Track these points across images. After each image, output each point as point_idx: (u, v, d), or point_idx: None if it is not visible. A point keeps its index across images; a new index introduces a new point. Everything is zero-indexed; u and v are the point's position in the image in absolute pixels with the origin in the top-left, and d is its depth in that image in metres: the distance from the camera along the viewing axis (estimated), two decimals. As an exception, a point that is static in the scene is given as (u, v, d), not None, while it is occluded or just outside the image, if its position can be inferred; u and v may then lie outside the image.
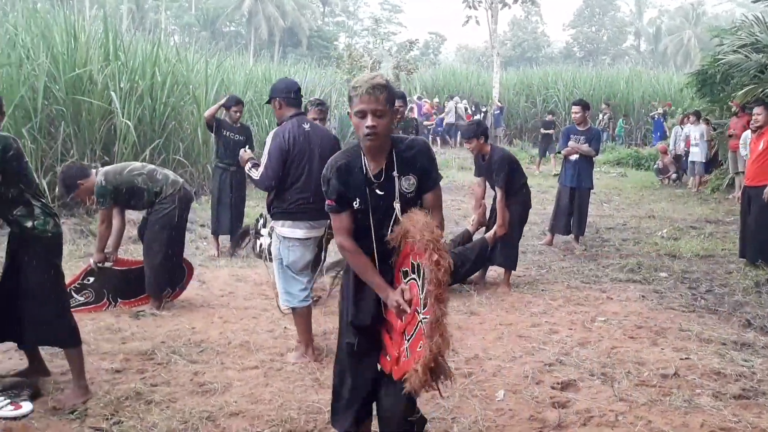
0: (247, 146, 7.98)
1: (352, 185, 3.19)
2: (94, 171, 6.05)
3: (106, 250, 6.08)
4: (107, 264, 6.13)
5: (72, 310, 4.68)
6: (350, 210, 3.21)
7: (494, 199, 7.22)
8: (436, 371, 2.79)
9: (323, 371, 4.78)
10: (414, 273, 3.00)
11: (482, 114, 27.23)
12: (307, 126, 5.14)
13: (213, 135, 8.88)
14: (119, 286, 6.26)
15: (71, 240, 8.73)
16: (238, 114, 8.71)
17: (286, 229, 5.04)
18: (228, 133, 8.65)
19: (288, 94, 5.23)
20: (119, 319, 5.94)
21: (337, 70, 24.56)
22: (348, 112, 3.17)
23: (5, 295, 4.25)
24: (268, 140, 5.11)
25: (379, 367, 3.24)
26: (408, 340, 2.99)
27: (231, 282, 7.40)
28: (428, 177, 3.19)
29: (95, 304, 6.17)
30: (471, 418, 4.12)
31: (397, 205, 3.13)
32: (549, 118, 22.08)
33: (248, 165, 5.28)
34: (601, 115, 25.47)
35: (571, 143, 9.34)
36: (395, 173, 3.14)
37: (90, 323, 5.75)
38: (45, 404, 4.19)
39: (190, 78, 13.67)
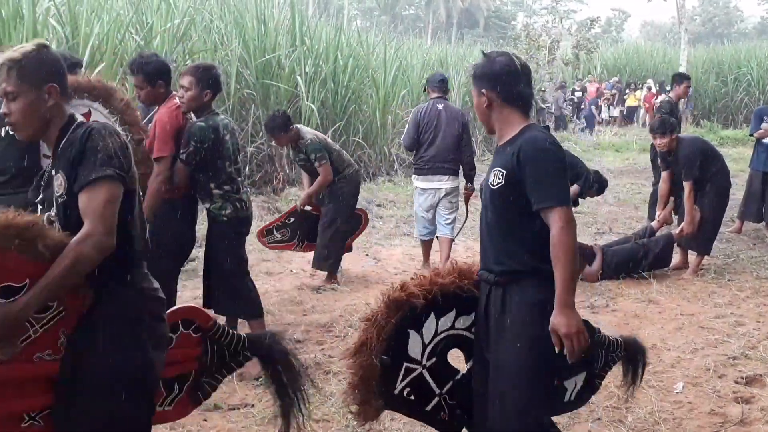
0: None
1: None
2: (293, 126, 6.42)
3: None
4: (308, 208, 6.55)
5: (269, 246, 6.41)
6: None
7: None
8: None
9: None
10: None
11: (666, 93, 25.92)
12: (440, 106, 6.81)
13: None
14: (310, 230, 6.60)
15: (259, 216, 9.20)
16: None
17: (415, 180, 6.97)
18: None
19: (434, 83, 7.05)
20: (301, 293, 6.27)
21: (513, 51, 24.26)
22: None
23: (206, 267, 4.75)
24: (411, 114, 7.08)
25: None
26: None
27: (405, 261, 7.58)
28: (76, 175, 2.30)
29: (286, 243, 6.62)
30: (646, 409, 4.03)
31: (52, 212, 2.36)
32: None
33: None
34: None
35: (764, 125, 8.74)
36: (53, 170, 2.40)
37: (275, 295, 6.11)
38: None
39: (369, 61, 14.00)
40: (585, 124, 24.30)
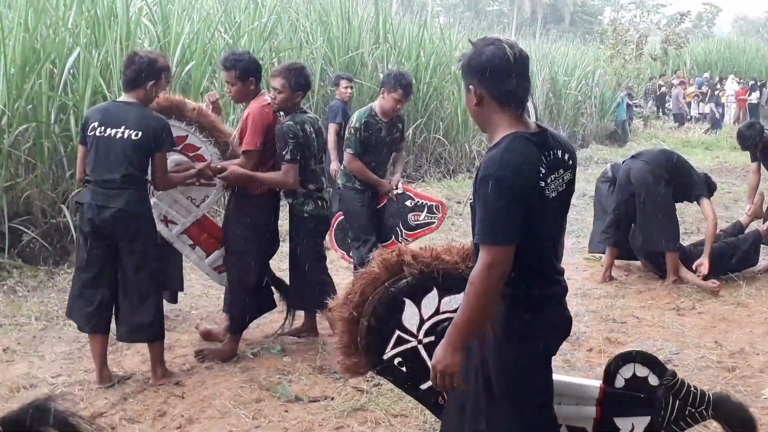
0: None
1: None
2: None
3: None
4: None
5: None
6: None
7: None
8: None
9: (573, 353, 4.78)
10: None
11: (759, 90, 24.98)
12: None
13: None
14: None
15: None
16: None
17: None
18: None
19: None
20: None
21: (600, 46, 23.78)
22: None
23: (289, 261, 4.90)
24: None
25: None
26: None
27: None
28: None
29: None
30: (732, 415, 3.92)
31: None
32: None
33: None
34: None
35: None
36: None
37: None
38: (313, 362, 4.60)
39: (452, 58, 13.96)
40: (709, 126, 23.59)
